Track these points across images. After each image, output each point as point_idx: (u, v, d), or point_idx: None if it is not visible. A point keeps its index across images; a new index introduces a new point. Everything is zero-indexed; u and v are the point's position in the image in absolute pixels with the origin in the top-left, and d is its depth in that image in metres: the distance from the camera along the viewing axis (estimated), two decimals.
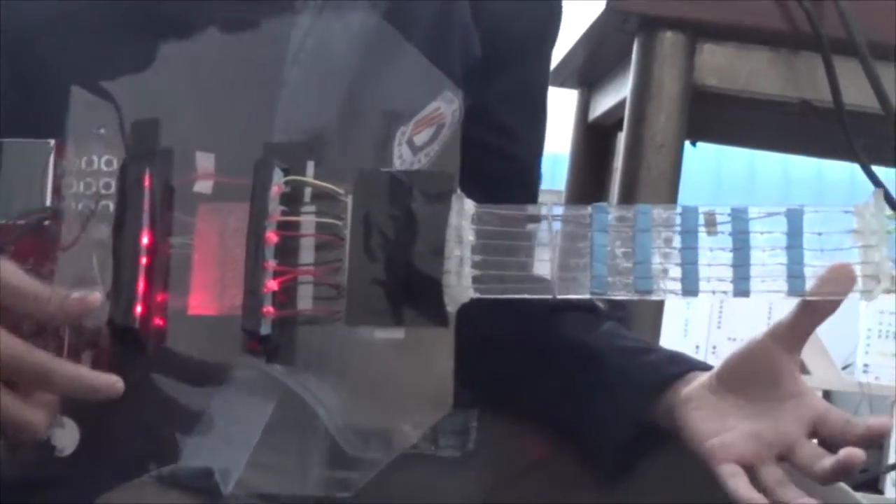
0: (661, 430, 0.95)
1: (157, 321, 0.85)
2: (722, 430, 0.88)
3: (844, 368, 3.76)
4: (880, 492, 3.50)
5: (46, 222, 0.86)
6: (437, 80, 0.89)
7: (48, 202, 0.86)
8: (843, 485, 0.94)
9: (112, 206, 0.85)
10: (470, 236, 0.84)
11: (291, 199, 0.85)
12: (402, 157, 0.88)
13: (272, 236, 0.83)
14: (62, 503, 0.84)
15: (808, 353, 3.66)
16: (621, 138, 1.38)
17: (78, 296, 0.81)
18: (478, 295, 0.84)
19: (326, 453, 0.97)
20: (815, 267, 0.84)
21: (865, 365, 3.65)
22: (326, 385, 0.96)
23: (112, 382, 0.80)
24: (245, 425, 0.93)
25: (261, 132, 0.87)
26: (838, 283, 0.83)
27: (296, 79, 0.89)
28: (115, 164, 0.86)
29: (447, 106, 0.89)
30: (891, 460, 3.52)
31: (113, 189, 0.85)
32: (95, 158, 0.86)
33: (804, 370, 3.64)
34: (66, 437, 0.83)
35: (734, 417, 0.89)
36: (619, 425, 0.97)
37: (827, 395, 3.66)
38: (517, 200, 1.13)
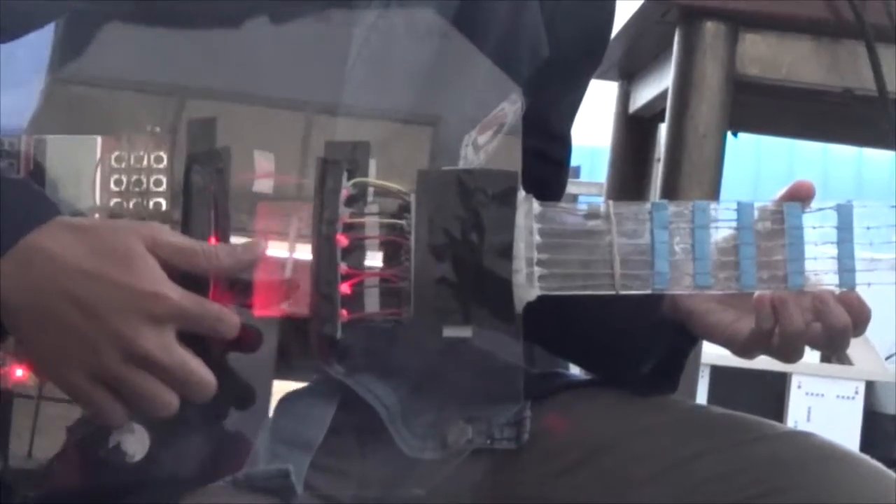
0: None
1: None
2: (735, 320, 0.94)
3: (888, 359, 3.73)
4: None
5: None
6: (504, 85, 0.89)
7: (97, 199, 0.85)
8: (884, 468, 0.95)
9: (164, 204, 0.85)
10: (536, 236, 0.85)
11: (354, 199, 0.85)
12: (467, 158, 0.89)
13: (342, 239, 0.83)
14: None
15: (850, 344, 3.63)
16: (662, 129, 1.38)
17: (242, 246, 0.83)
18: (543, 292, 0.84)
19: (387, 454, 0.97)
20: (864, 260, 0.86)
21: None
22: (386, 385, 0.96)
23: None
24: (308, 427, 0.93)
25: (322, 129, 0.87)
26: (799, 198, 0.87)
27: (359, 76, 0.89)
28: (166, 161, 0.85)
29: (510, 106, 0.89)
30: None
31: (164, 186, 0.85)
32: (145, 154, 0.85)
33: (847, 361, 3.62)
34: (136, 444, 0.83)
35: (738, 309, 0.94)
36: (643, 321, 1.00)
37: (870, 385, 3.63)
38: (552, 199, 1.13)
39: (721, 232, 0.86)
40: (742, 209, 0.86)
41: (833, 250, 0.86)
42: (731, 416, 1.04)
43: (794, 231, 0.86)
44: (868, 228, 0.86)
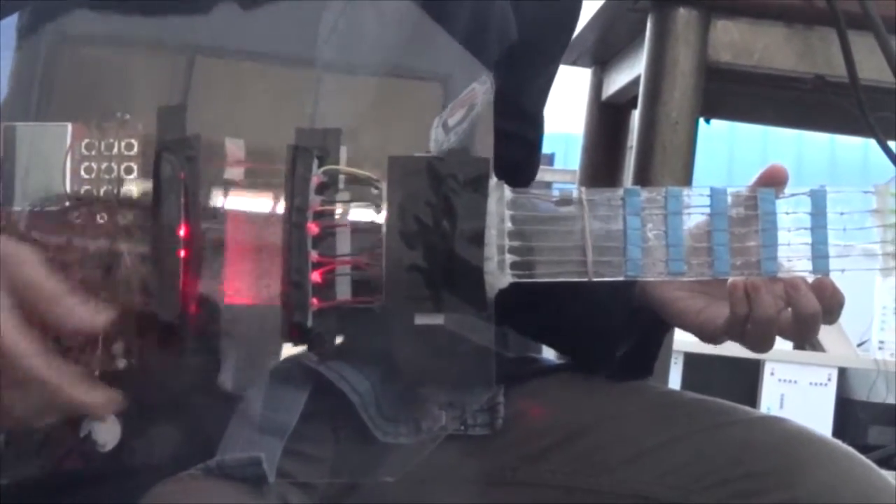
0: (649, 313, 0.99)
1: (194, 311, 0.84)
2: (705, 307, 0.94)
3: (860, 345, 3.75)
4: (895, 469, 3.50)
5: (69, 208, 0.85)
6: (472, 67, 0.89)
7: (68, 187, 0.85)
8: (875, 465, 0.95)
9: (135, 192, 0.84)
10: (508, 223, 0.85)
11: (325, 186, 0.85)
12: (437, 140, 0.88)
13: (313, 227, 0.83)
14: (109, 499, 0.84)
15: (822, 331, 3.65)
16: (635, 116, 1.38)
17: (86, 311, 0.78)
18: (516, 279, 0.84)
19: (361, 440, 0.97)
20: (838, 246, 0.86)
21: (881, 342, 3.63)
22: (359, 372, 0.96)
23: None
24: (280, 414, 0.93)
25: (291, 115, 0.87)
26: (771, 182, 0.87)
27: (328, 61, 0.89)
28: (136, 148, 0.85)
29: (480, 87, 0.89)
30: None
31: (135, 174, 0.85)
32: (115, 142, 0.85)
33: (819, 348, 3.64)
34: (108, 433, 0.83)
35: (708, 295, 0.95)
36: (614, 310, 1.01)
37: (842, 372, 3.65)
38: (524, 181, 1.14)
39: (694, 218, 0.86)
40: (715, 195, 0.86)
41: (807, 236, 0.86)
42: (705, 400, 1.04)
43: (767, 217, 0.86)
44: (842, 214, 0.86)
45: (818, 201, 0.86)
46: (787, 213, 0.86)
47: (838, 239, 0.87)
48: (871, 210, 0.87)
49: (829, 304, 0.90)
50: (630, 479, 1.00)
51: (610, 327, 1.03)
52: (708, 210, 0.86)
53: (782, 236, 0.86)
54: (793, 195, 0.87)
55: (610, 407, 1.05)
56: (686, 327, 0.97)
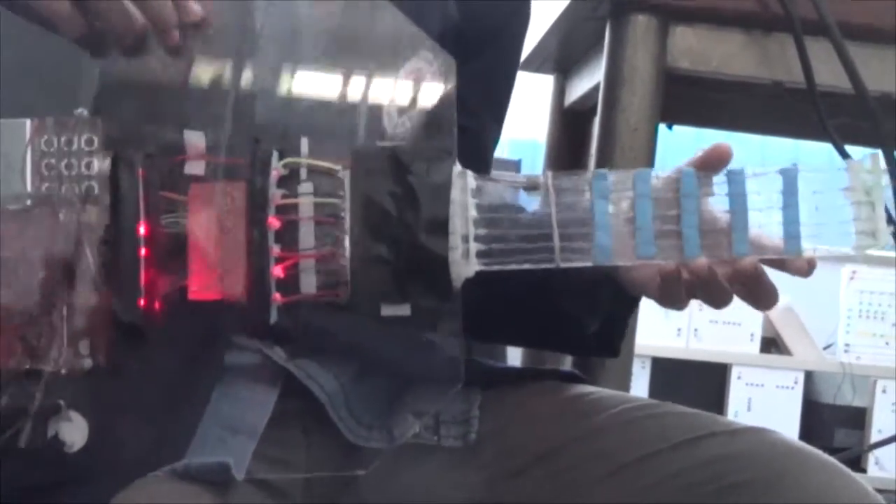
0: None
1: (158, 309, 0.84)
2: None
3: (826, 349, 3.76)
4: (863, 470, 3.51)
5: (30, 205, 0.84)
6: (415, 36, 0.87)
7: (29, 184, 0.84)
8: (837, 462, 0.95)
9: (97, 188, 0.84)
10: (473, 211, 0.83)
11: (287, 178, 0.84)
12: (391, 115, 0.87)
13: (274, 222, 0.83)
14: (77, 500, 0.84)
15: (788, 334, 3.67)
16: (597, 122, 1.39)
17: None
18: (482, 268, 0.83)
19: (332, 443, 0.96)
20: (809, 226, 0.84)
21: (847, 345, 3.65)
22: (328, 372, 0.96)
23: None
24: (250, 413, 0.92)
25: (242, 103, 0.86)
26: (716, 161, 0.86)
27: (267, 42, 0.88)
28: (96, 143, 0.84)
29: (426, 66, 0.87)
30: (873, 439, 3.53)
31: (95, 169, 0.84)
32: (75, 138, 0.84)
33: (786, 351, 3.66)
34: (75, 432, 0.83)
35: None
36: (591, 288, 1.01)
37: (808, 375, 3.67)
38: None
39: (662, 199, 0.84)
40: (685, 177, 0.84)
41: (777, 216, 0.84)
42: (684, 413, 1.03)
43: (737, 198, 0.84)
44: (814, 193, 0.84)
45: (789, 180, 0.84)
46: (759, 194, 0.84)
47: (811, 218, 0.84)
48: (844, 188, 0.84)
49: (802, 274, 0.87)
50: (610, 496, 0.99)
51: (579, 301, 1.02)
52: (678, 192, 0.84)
53: (753, 217, 0.84)
54: (764, 174, 0.84)
55: (588, 422, 1.03)
56: (637, 290, 0.97)
